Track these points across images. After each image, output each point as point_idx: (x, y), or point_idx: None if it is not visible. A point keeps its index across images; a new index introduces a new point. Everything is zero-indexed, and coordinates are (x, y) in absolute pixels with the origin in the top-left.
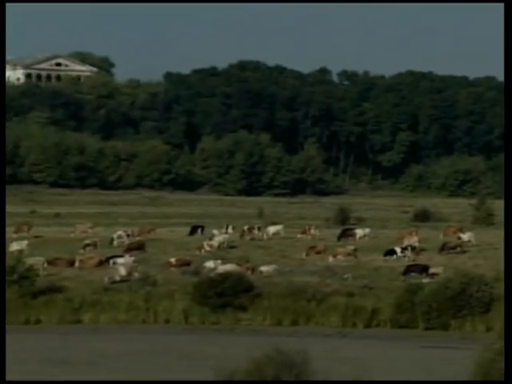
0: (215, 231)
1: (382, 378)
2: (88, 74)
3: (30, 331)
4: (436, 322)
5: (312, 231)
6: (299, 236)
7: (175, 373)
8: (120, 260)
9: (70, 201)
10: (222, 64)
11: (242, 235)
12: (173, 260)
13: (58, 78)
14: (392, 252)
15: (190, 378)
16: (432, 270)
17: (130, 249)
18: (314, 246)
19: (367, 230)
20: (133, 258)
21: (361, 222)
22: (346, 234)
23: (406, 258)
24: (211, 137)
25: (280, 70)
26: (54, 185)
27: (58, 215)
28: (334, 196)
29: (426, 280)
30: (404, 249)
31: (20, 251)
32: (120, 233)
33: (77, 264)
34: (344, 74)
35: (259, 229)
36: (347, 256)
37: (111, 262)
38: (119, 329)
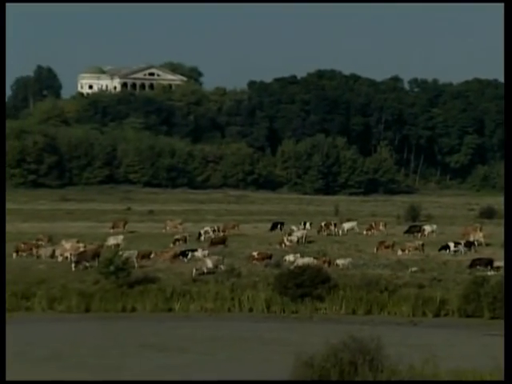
0: (294, 227)
1: (449, 363)
2: (178, 82)
3: (127, 318)
4: (501, 311)
5: (380, 227)
6: (364, 233)
7: (258, 357)
8: (196, 253)
9: (161, 199)
10: (301, 73)
11: (319, 231)
12: (255, 254)
13: (151, 86)
14: (446, 247)
15: (271, 361)
16: (496, 264)
17: (213, 243)
18: (384, 240)
19: (434, 227)
20: (207, 252)
21: (429, 219)
22: (413, 230)
23: (460, 252)
24: (291, 140)
25: (355, 78)
26: (148, 184)
27: (151, 212)
28: (405, 195)
29: (490, 273)
30: (457, 244)
31: (116, 245)
32: (207, 228)
33: (152, 257)
34: (414, 82)
35: (335, 225)
36: (415, 250)
37: (189, 255)
38: (207, 317)
